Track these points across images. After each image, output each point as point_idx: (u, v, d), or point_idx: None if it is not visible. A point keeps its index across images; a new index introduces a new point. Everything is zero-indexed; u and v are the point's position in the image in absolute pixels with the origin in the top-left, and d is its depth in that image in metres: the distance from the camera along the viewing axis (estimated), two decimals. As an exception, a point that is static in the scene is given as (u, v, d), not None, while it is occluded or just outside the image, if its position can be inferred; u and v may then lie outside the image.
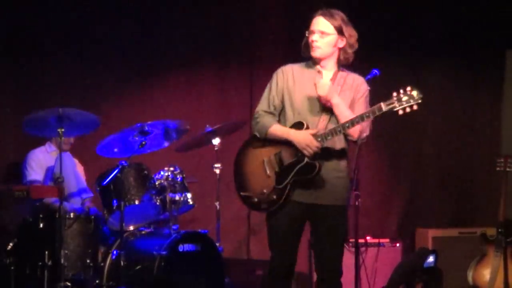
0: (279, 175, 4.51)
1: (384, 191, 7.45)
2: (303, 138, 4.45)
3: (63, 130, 5.47)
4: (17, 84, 6.79)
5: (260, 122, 4.62)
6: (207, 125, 6.19)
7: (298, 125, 4.51)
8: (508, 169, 5.92)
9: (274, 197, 4.51)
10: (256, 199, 4.58)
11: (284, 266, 4.61)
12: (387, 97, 4.56)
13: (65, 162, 6.01)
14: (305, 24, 4.68)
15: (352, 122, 4.40)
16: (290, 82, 4.60)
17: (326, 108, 4.51)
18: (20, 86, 6.79)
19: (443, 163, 7.51)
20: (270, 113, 4.63)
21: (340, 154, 4.56)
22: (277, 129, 4.57)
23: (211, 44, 7.22)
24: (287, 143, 4.50)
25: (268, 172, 4.54)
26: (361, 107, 4.56)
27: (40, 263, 5.49)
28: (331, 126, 4.49)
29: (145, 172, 5.85)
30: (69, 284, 5.45)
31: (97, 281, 5.67)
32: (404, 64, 7.39)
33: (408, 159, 7.49)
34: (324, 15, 4.55)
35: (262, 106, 4.67)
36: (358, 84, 4.60)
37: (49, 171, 6.09)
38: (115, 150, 5.99)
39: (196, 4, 7.17)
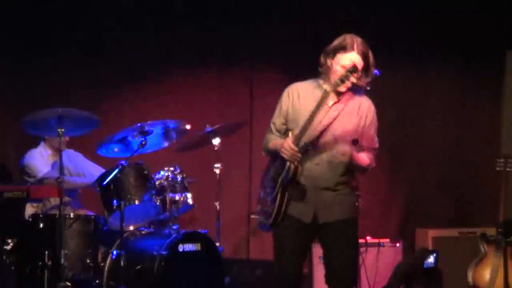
0: (272, 187, 4.58)
1: (384, 191, 7.45)
2: (281, 142, 4.52)
3: (63, 130, 5.47)
4: (17, 84, 6.80)
5: (264, 145, 4.74)
6: (207, 125, 6.19)
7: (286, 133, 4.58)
8: (508, 169, 5.90)
9: (270, 210, 4.56)
10: (262, 218, 4.67)
11: (290, 280, 4.61)
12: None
13: (71, 158, 6.08)
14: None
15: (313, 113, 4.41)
16: (296, 101, 4.61)
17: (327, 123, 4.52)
18: (20, 86, 6.80)
19: (443, 163, 7.51)
20: (277, 136, 4.70)
21: (341, 169, 4.56)
22: (270, 144, 4.66)
23: (211, 44, 7.22)
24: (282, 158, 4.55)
25: (270, 190, 4.61)
26: (370, 134, 4.56)
27: (40, 263, 5.49)
28: (326, 138, 4.48)
29: (145, 172, 5.85)
30: (69, 284, 5.44)
31: (97, 281, 5.67)
32: (404, 64, 7.39)
33: (408, 159, 7.48)
34: (362, 55, 4.48)
35: (272, 129, 4.73)
36: (365, 109, 4.58)
37: (55, 167, 6.12)
38: (115, 150, 6.00)
39: (196, 5, 7.18)
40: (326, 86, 4.47)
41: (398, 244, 6.75)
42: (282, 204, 4.51)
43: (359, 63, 4.48)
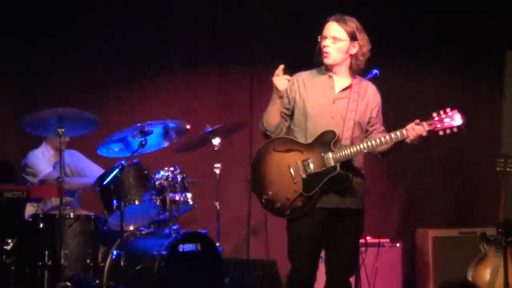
0: (307, 182, 4.45)
1: (384, 191, 7.44)
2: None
3: (63, 130, 5.48)
4: (18, 84, 6.80)
5: (263, 120, 4.61)
6: (207, 125, 6.19)
7: (329, 134, 4.46)
8: (508, 169, 5.90)
9: (300, 204, 4.45)
10: (279, 204, 4.48)
11: (308, 276, 4.54)
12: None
13: (73, 158, 6.09)
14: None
15: (381, 143, 4.44)
16: (302, 90, 4.59)
17: (342, 114, 4.51)
18: (21, 86, 6.80)
19: (443, 163, 7.50)
20: None
21: (359, 160, 4.59)
22: (268, 109, 4.58)
23: (211, 44, 7.22)
24: (314, 150, 4.47)
25: (294, 178, 4.46)
26: (379, 112, 4.63)
27: (40, 263, 5.50)
28: (357, 133, 4.51)
29: (145, 172, 5.85)
30: (69, 284, 5.44)
31: (97, 281, 5.67)
32: (404, 64, 7.39)
33: (408, 159, 7.48)
34: (337, 20, 4.52)
35: None
36: (372, 93, 4.60)
37: (56, 168, 6.12)
38: (115, 150, 6.00)
39: (196, 5, 7.18)
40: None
41: (398, 244, 6.75)
42: (316, 202, 4.45)
43: (335, 29, 4.49)
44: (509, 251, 5.83)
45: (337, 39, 4.49)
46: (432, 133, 4.45)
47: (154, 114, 6.42)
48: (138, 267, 5.58)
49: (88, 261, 5.67)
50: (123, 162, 5.73)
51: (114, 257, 5.68)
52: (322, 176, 4.44)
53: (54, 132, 5.51)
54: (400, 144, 4.52)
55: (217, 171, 6.18)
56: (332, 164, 4.43)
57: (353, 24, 4.52)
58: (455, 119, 4.39)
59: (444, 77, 7.54)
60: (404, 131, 4.48)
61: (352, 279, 4.79)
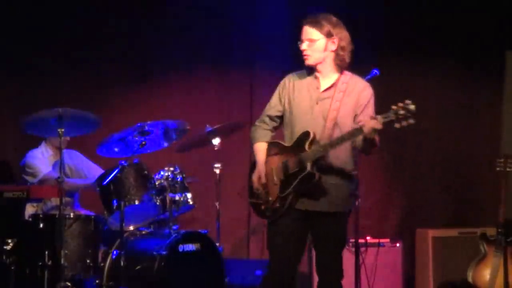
0: (283, 183, 4.52)
1: (384, 191, 7.44)
2: (257, 171, 4.59)
3: (63, 130, 5.48)
4: (17, 84, 6.80)
5: (253, 134, 4.73)
6: (207, 125, 6.19)
7: (305, 135, 4.48)
8: (508, 169, 5.90)
9: (277, 205, 4.52)
10: (263, 207, 4.60)
11: (283, 277, 4.56)
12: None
13: (72, 158, 6.08)
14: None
15: (342, 139, 4.38)
16: (291, 91, 4.62)
17: (324, 114, 4.51)
18: (20, 86, 6.80)
19: (443, 163, 7.50)
20: (266, 123, 4.70)
21: (344, 162, 4.55)
22: (256, 149, 4.68)
23: (211, 44, 7.22)
24: (293, 152, 4.50)
25: (275, 179, 4.55)
26: (369, 112, 4.53)
27: (40, 263, 5.49)
28: (338, 133, 4.47)
29: (145, 172, 5.84)
30: (69, 284, 5.44)
31: (97, 281, 5.67)
32: (404, 65, 7.39)
33: (407, 159, 7.49)
34: (309, 23, 4.55)
35: (262, 116, 4.74)
36: (360, 90, 4.56)
37: (56, 168, 6.12)
38: (115, 150, 6.00)
39: (196, 5, 7.18)
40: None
41: (398, 244, 6.75)
42: (292, 203, 4.48)
43: (309, 31, 4.52)
44: (509, 251, 5.83)
45: (313, 40, 4.53)
46: (388, 125, 4.30)
47: (154, 114, 6.42)
48: (138, 267, 5.58)
49: (88, 261, 5.67)
50: (123, 162, 5.73)
51: (114, 257, 5.68)
52: (296, 176, 4.47)
53: (54, 132, 5.51)
54: (372, 141, 4.38)
55: (217, 171, 6.18)
56: (305, 164, 4.43)
57: (326, 21, 4.52)
58: (410, 110, 4.21)
59: (444, 77, 7.54)
60: (358, 126, 4.34)
61: (351, 280, 4.79)
